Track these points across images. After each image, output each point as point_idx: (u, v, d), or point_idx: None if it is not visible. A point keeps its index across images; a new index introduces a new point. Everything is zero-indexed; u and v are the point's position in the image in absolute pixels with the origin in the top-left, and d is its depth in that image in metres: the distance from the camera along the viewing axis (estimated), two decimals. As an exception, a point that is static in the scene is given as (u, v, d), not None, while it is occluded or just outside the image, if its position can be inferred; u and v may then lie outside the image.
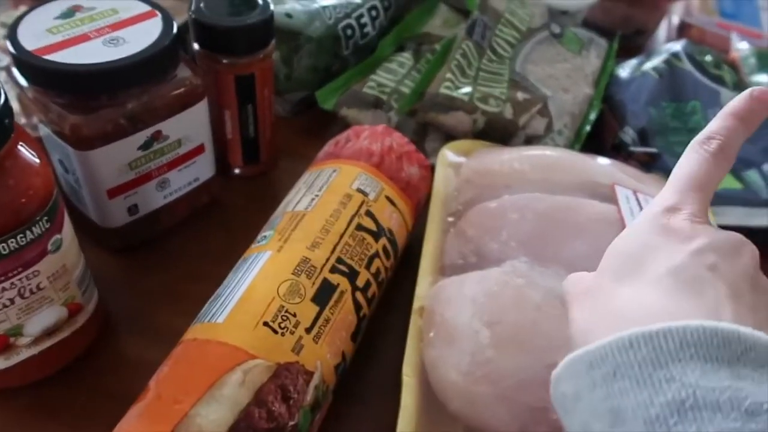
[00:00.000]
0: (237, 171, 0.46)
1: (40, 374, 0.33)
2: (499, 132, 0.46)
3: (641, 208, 0.37)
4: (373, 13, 0.54)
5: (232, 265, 0.36)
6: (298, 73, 0.49)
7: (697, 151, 0.25)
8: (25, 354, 0.31)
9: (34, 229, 0.27)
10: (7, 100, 0.25)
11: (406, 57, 0.53)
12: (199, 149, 0.39)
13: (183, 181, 0.40)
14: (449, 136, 0.48)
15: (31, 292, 0.29)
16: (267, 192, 0.47)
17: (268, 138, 0.45)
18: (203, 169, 0.41)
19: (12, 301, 0.28)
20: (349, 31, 0.51)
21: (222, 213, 0.45)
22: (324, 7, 0.50)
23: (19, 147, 0.27)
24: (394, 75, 0.51)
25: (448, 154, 0.42)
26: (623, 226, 0.35)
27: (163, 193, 0.39)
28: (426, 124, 0.48)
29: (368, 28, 0.53)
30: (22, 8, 0.56)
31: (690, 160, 0.25)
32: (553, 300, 0.31)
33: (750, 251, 0.23)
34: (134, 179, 0.36)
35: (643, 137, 0.48)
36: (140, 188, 0.37)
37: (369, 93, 0.49)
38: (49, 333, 0.31)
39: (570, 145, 0.48)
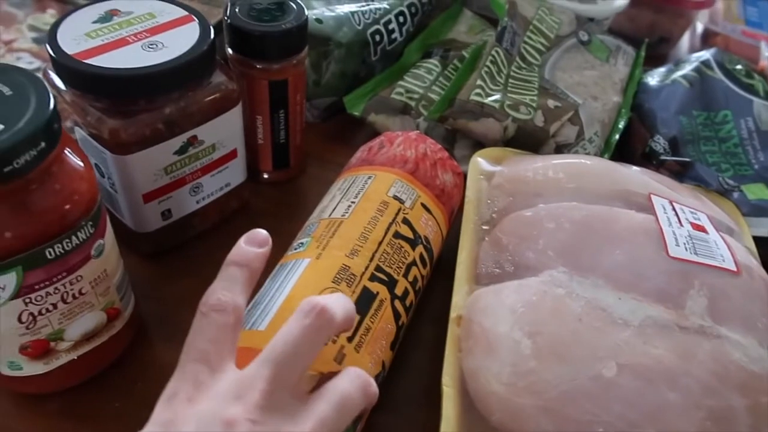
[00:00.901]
0: (266, 176, 0.46)
1: (76, 379, 0.33)
2: (529, 139, 0.46)
3: (678, 219, 0.36)
4: (401, 19, 0.54)
5: (262, 271, 0.36)
6: (326, 79, 0.49)
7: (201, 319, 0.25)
8: (64, 359, 0.31)
9: (79, 234, 0.27)
10: (55, 105, 0.25)
11: (433, 63, 0.53)
12: (232, 154, 0.39)
13: (215, 186, 0.40)
14: (478, 143, 0.47)
15: (74, 297, 0.29)
16: (295, 198, 0.47)
17: (298, 144, 0.45)
18: (235, 174, 0.41)
19: (54, 305, 0.28)
20: (377, 37, 0.51)
21: (251, 218, 0.44)
22: (353, 13, 0.50)
23: (66, 152, 0.27)
24: (422, 81, 0.51)
25: (480, 162, 0.42)
26: (661, 237, 0.34)
27: (196, 198, 0.39)
28: (455, 131, 0.48)
29: (396, 34, 0.53)
30: (50, 11, 0.57)
31: (195, 330, 0.24)
32: (594, 311, 0.31)
33: (241, 419, 0.21)
34: (169, 184, 0.36)
35: (674, 146, 0.47)
36: (174, 193, 0.37)
37: (397, 99, 0.49)
38: (88, 338, 0.31)
39: (600, 154, 0.48)
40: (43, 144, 0.24)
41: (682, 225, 0.36)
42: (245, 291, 0.26)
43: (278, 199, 0.46)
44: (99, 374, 0.34)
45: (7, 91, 0.25)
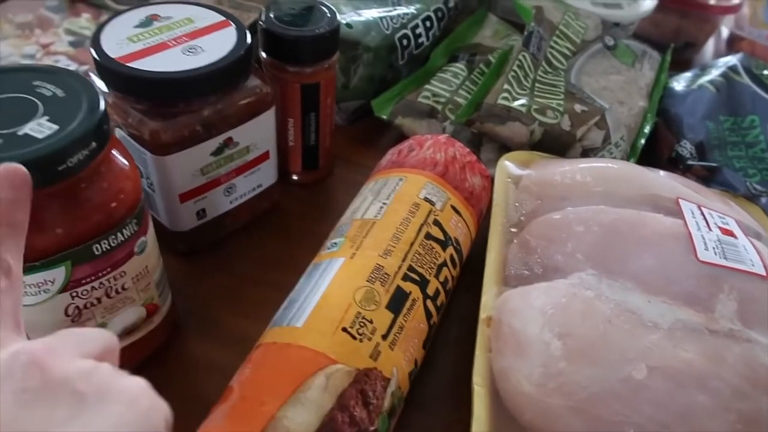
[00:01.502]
0: (295, 177, 0.47)
1: None
2: (555, 143, 0.46)
3: (707, 223, 0.36)
4: (428, 23, 0.54)
5: (291, 270, 0.37)
6: (354, 83, 0.50)
7: None
8: None
9: (124, 231, 0.28)
10: (105, 107, 0.26)
11: (459, 67, 0.53)
12: (265, 156, 0.40)
13: (248, 186, 0.41)
14: (504, 147, 0.48)
15: (117, 292, 0.30)
16: (323, 199, 0.48)
17: (327, 146, 0.46)
18: (267, 175, 0.42)
19: (99, 300, 0.29)
20: (404, 41, 0.52)
21: (280, 219, 0.45)
22: (381, 18, 0.51)
23: (113, 152, 0.28)
24: (448, 85, 0.51)
25: (508, 165, 0.42)
26: (690, 241, 0.34)
27: (230, 198, 0.40)
28: (481, 135, 0.48)
29: (422, 39, 0.54)
30: (85, 15, 0.58)
31: None
32: (623, 313, 0.31)
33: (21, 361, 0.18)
34: (205, 184, 0.37)
35: (701, 151, 0.47)
36: (209, 193, 0.38)
37: (424, 103, 0.50)
38: (128, 332, 0.32)
39: (626, 158, 0.48)
40: (93, 144, 0.25)
41: (710, 229, 0.36)
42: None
43: (307, 200, 0.47)
44: (138, 368, 0.35)
45: (60, 93, 0.26)
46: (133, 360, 0.34)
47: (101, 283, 0.28)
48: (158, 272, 0.32)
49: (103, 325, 0.30)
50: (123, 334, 0.32)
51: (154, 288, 0.32)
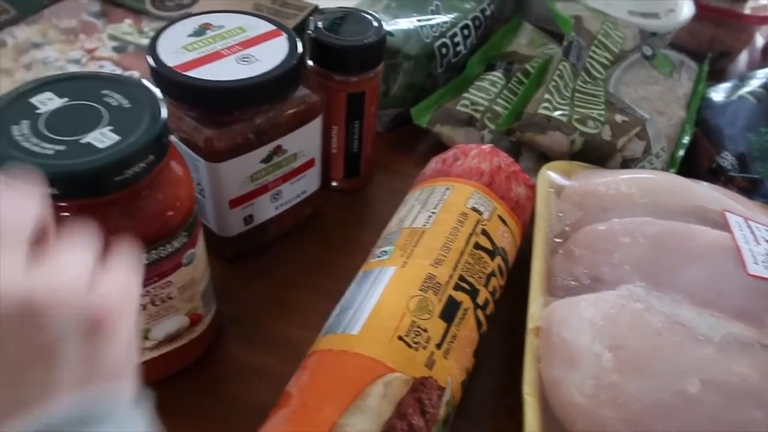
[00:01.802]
0: (335, 184, 0.48)
1: (157, 375, 0.34)
2: (596, 153, 0.46)
3: (754, 236, 0.36)
4: (465, 32, 0.55)
5: (331, 275, 0.37)
6: (394, 91, 0.50)
7: None
8: (147, 356, 0.32)
9: (174, 242, 0.28)
10: (166, 120, 0.27)
11: (497, 76, 0.54)
12: (311, 163, 0.41)
13: (293, 193, 0.41)
14: (543, 156, 0.48)
15: (162, 301, 0.30)
16: (363, 205, 0.48)
17: (369, 153, 0.46)
18: (311, 182, 0.42)
19: (144, 307, 0.29)
20: (443, 50, 0.52)
21: (321, 224, 0.46)
22: (421, 27, 0.51)
23: (171, 162, 0.28)
24: (486, 93, 0.52)
25: (550, 175, 0.43)
26: (738, 254, 0.34)
27: (275, 204, 0.40)
28: (520, 144, 0.49)
29: (461, 47, 0.54)
30: (127, 21, 0.59)
31: None
32: (673, 326, 0.31)
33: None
34: (253, 190, 0.38)
35: (742, 163, 0.47)
36: (257, 199, 0.39)
37: (462, 111, 0.50)
38: (170, 339, 0.33)
39: (666, 169, 0.48)
40: (152, 157, 0.26)
41: (758, 243, 0.36)
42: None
43: (347, 206, 0.47)
44: (184, 372, 0.35)
45: (125, 103, 0.27)
46: (174, 366, 0.35)
47: (147, 291, 0.29)
48: (204, 283, 0.33)
49: (147, 331, 0.31)
50: (165, 341, 0.32)
51: (199, 298, 0.32)
